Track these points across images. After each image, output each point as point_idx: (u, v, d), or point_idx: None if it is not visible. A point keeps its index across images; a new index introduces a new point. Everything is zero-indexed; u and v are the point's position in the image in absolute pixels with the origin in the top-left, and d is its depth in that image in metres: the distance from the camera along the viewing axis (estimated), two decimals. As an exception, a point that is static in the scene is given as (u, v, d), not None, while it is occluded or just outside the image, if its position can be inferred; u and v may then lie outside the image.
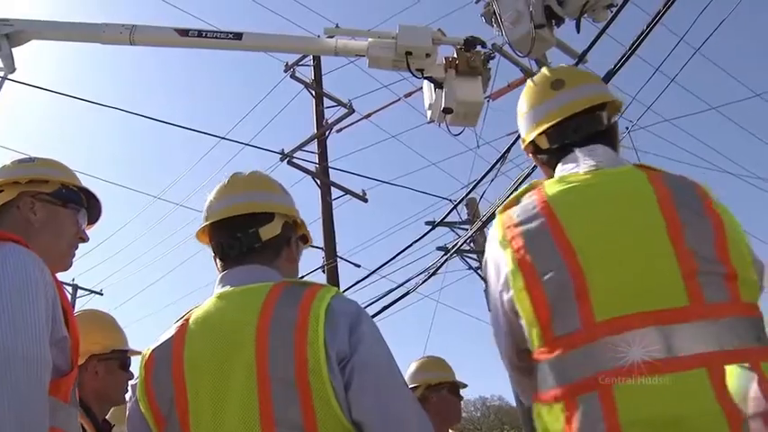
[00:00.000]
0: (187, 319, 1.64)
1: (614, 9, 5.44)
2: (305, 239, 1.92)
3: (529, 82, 1.92)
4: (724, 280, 1.42)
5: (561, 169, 1.71)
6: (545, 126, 1.76)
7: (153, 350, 1.63)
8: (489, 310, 1.73)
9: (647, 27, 5.69)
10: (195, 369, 1.53)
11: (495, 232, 1.64)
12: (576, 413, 1.38)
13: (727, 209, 1.54)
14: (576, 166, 1.67)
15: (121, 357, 2.63)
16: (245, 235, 1.71)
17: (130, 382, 1.72)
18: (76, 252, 1.94)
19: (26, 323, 1.47)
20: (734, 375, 1.32)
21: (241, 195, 1.77)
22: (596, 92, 1.79)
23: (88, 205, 1.97)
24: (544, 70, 1.91)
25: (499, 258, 1.59)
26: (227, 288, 1.66)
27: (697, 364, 1.33)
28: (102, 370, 2.55)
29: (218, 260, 1.77)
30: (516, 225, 1.57)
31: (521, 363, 1.62)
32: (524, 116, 1.85)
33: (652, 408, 1.32)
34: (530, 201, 1.61)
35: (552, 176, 1.73)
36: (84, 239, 1.94)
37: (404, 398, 1.53)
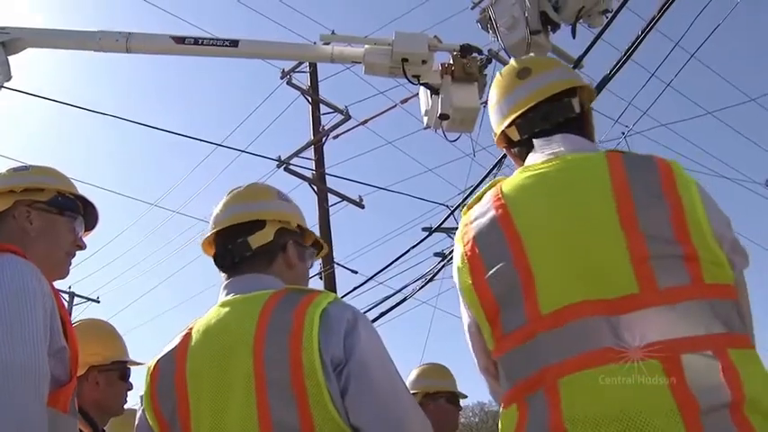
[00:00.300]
0: (191, 330, 1.66)
1: (610, 14, 5.46)
2: (318, 246, 1.94)
3: (497, 74, 1.87)
4: (683, 261, 1.33)
5: (527, 162, 1.66)
6: (513, 116, 1.69)
7: (158, 361, 1.66)
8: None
9: (642, 32, 5.71)
10: (196, 377, 1.55)
11: (456, 234, 1.61)
12: (525, 414, 1.32)
13: (695, 184, 1.44)
14: (536, 157, 1.62)
15: (121, 368, 2.62)
16: (235, 245, 1.74)
17: (139, 393, 1.73)
18: (73, 260, 1.94)
19: (24, 335, 1.47)
20: (695, 365, 1.22)
21: (234, 207, 1.81)
22: (562, 77, 1.73)
23: (84, 212, 1.97)
24: (512, 61, 1.87)
25: (456, 258, 1.55)
26: (228, 297, 1.69)
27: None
28: (103, 381, 2.55)
29: (221, 272, 1.80)
30: (471, 222, 1.53)
31: (497, 370, 1.53)
32: (494, 108, 1.79)
33: (600, 404, 1.23)
34: (487, 197, 1.57)
35: (520, 165, 1.70)
36: (82, 247, 1.93)
37: (402, 402, 1.53)
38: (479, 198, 1.60)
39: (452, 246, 12.15)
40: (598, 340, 1.28)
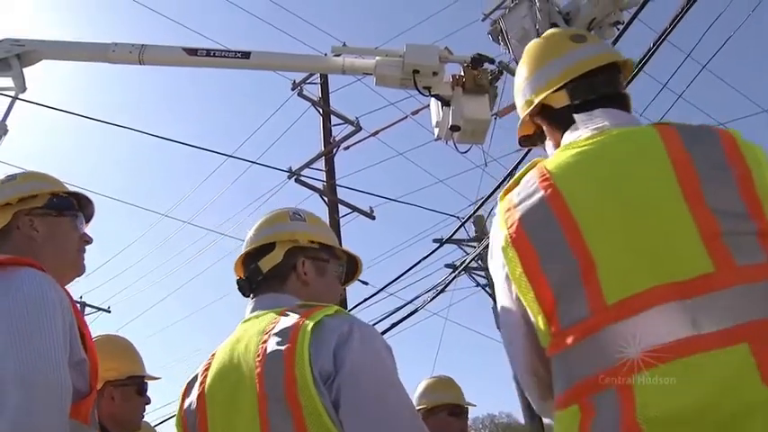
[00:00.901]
0: (216, 351, 1.73)
1: (621, 26, 5.46)
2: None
3: (534, 41, 1.75)
4: (758, 238, 1.22)
5: (566, 138, 1.54)
6: (570, 77, 1.56)
7: (187, 383, 1.75)
8: (499, 319, 1.54)
9: (654, 44, 5.70)
10: (212, 396, 1.62)
11: (495, 220, 1.47)
12: (591, 414, 1.19)
13: (760, 151, 1.32)
14: (579, 133, 1.50)
15: (138, 383, 2.63)
16: (249, 271, 1.81)
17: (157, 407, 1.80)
18: (84, 271, 1.95)
19: (45, 349, 1.48)
20: None
21: (250, 237, 1.89)
22: (617, 51, 1.64)
23: (80, 206, 1.98)
24: (553, 30, 1.76)
25: (497, 246, 1.42)
26: (250, 315, 1.74)
27: (735, 339, 1.11)
28: (118, 396, 2.56)
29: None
30: (516, 206, 1.40)
31: (546, 371, 1.39)
32: (539, 70, 1.63)
33: (680, 398, 1.10)
34: (529, 177, 1.44)
35: (559, 143, 1.57)
36: (89, 241, 1.95)
37: (397, 414, 1.47)
38: (517, 181, 1.47)
39: (463, 257, 12.13)
40: (675, 329, 1.15)
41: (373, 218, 11.99)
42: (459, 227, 11.92)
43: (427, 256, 10.92)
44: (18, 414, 1.38)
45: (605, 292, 1.22)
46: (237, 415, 1.53)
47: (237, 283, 1.84)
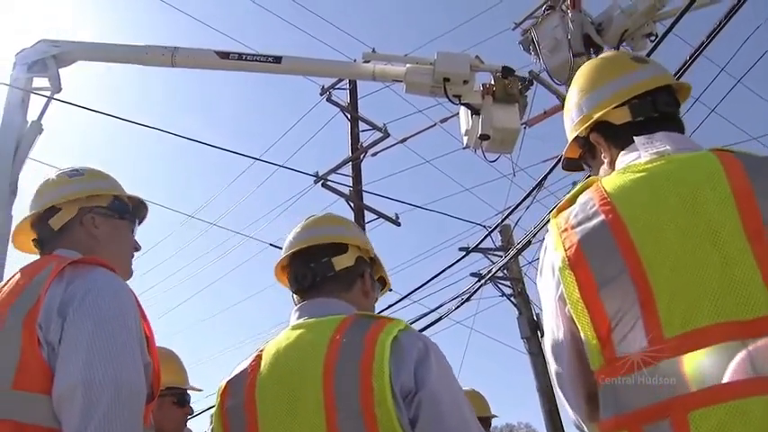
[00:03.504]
0: (261, 351, 1.67)
1: (654, 39, 5.39)
2: (383, 282, 1.93)
3: (592, 60, 1.76)
4: None
5: (622, 159, 1.52)
6: (633, 95, 1.56)
7: (228, 382, 1.66)
8: (545, 337, 1.53)
9: (690, 57, 5.60)
10: (266, 401, 1.55)
11: (550, 239, 1.45)
12: None
13: None
14: (638, 156, 1.47)
15: (176, 394, 2.62)
16: (318, 264, 1.74)
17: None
18: None
19: (128, 354, 1.48)
20: None
21: (315, 230, 1.82)
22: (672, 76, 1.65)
23: (134, 211, 1.98)
24: (610, 53, 1.76)
25: (555, 267, 1.39)
26: (301, 320, 1.68)
27: None
28: (155, 406, 2.57)
29: (294, 294, 1.80)
30: (573, 227, 1.37)
31: (592, 392, 1.38)
32: (599, 88, 1.64)
33: None
34: (588, 198, 1.40)
35: (614, 161, 1.55)
36: (138, 248, 1.95)
37: (471, 430, 1.50)
38: (572, 200, 1.45)
39: (489, 267, 12.02)
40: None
41: (399, 224, 11.98)
42: (486, 236, 11.84)
43: (453, 265, 10.86)
44: (108, 416, 1.39)
45: (664, 324, 1.20)
46: (296, 424, 1.48)
47: (298, 272, 1.76)
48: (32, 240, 1.83)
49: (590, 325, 1.29)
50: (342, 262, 1.74)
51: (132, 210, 1.95)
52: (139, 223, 2.02)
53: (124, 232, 1.90)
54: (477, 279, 11.49)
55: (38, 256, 1.80)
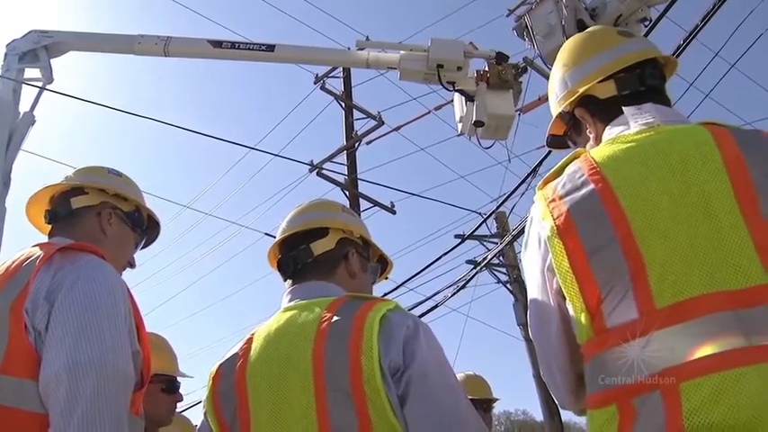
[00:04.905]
0: (252, 335, 1.69)
1: (648, 23, 5.38)
2: (384, 263, 1.97)
3: (578, 35, 1.73)
4: None
5: (609, 132, 1.49)
6: (619, 68, 1.53)
7: (220, 365, 1.68)
8: (529, 310, 1.50)
9: (684, 41, 5.59)
10: (257, 381, 1.57)
11: (536, 210, 1.42)
12: (633, 418, 1.16)
13: None
14: (626, 128, 1.45)
15: (164, 380, 2.62)
16: (298, 251, 1.78)
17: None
18: None
19: (116, 339, 1.49)
20: None
21: (298, 217, 1.86)
22: (660, 49, 1.61)
23: (147, 227, 1.99)
24: (595, 27, 1.72)
25: (542, 238, 1.37)
26: (291, 303, 1.71)
27: None
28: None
29: (285, 281, 1.83)
30: (562, 197, 1.34)
31: (576, 367, 1.37)
32: (583, 62, 1.61)
33: (728, 409, 1.07)
34: (576, 168, 1.38)
35: (600, 136, 1.53)
36: (132, 265, 1.96)
37: (461, 411, 1.51)
38: (559, 171, 1.43)
39: (485, 254, 12.03)
40: (726, 339, 1.11)
41: (394, 212, 11.97)
42: (481, 223, 11.86)
43: (448, 252, 10.86)
44: (94, 400, 1.39)
45: (655, 295, 1.19)
46: (286, 405, 1.50)
47: (281, 261, 1.81)
48: (45, 212, 1.85)
49: (579, 296, 1.27)
50: (321, 246, 1.77)
51: (146, 228, 1.97)
52: (144, 245, 2.04)
53: (129, 243, 1.92)
54: (472, 266, 11.52)
55: (37, 237, 1.81)
